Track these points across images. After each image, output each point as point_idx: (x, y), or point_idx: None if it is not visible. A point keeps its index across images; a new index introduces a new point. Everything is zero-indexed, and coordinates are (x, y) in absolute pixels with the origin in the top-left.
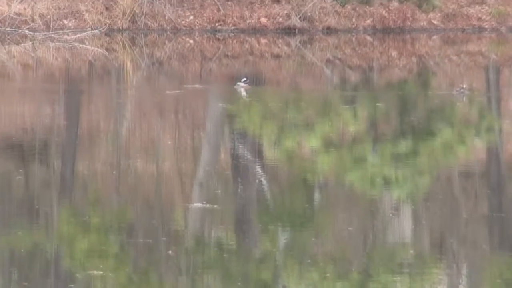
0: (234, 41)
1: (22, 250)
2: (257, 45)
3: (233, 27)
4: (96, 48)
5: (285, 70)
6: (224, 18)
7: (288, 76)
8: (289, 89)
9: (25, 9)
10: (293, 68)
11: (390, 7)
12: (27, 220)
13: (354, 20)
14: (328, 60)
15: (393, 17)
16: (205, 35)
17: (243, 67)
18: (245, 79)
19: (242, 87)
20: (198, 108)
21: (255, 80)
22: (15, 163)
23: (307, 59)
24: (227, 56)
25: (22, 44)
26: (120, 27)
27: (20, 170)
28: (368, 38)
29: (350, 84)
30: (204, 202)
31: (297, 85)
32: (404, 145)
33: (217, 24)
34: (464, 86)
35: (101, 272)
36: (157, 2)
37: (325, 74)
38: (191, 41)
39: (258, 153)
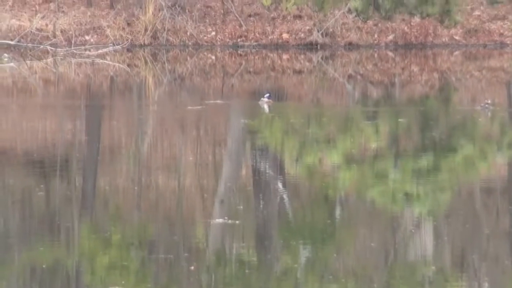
0: (256, 57)
1: (44, 265)
2: (279, 61)
3: (255, 43)
4: (117, 64)
5: (307, 86)
6: (246, 33)
7: (310, 91)
8: (311, 105)
9: (46, 25)
10: (315, 84)
11: (412, 23)
12: (49, 235)
13: (376, 35)
14: (349, 76)
15: (415, 33)
16: (227, 51)
17: (264, 83)
18: (268, 94)
19: (265, 103)
20: (219, 124)
21: (277, 96)
22: (36, 179)
23: (329, 75)
24: (249, 71)
25: (44, 60)
26: (142, 43)
27: (42, 186)
28: (390, 53)
29: (372, 99)
30: (226, 218)
31: (319, 101)
32: (426, 161)
33: (239, 40)
34: (489, 101)
35: None
36: (179, 18)
37: (346, 90)
38: (213, 57)
39: (280, 169)
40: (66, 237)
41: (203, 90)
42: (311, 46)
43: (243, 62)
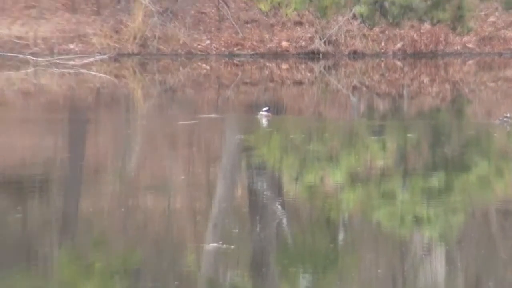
0: (253, 67)
1: None
2: (277, 71)
3: (252, 52)
4: (104, 75)
5: (308, 98)
6: (242, 42)
7: (311, 104)
8: (312, 119)
9: (27, 32)
10: (316, 96)
11: (421, 30)
12: (25, 262)
13: (383, 43)
14: (354, 87)
15: (425, 41)
16: (222, 60)
17: (262, 95)
18: (267, 108)
19: (264, 117)
20: (214, 140)
21: (276, 109)
22: (13, 200)
23: (332, 86)
24: (246, 83)
25: (23, 70)
26: (130, 52)
27: (19, 208)
28: (398, 63)
29: (379, 113)
30: (220, 242)
31: (321, 114)
32: (437, 180)
33: (235, 49)
34: (508, 115)
35: None
36: (171, 25)
37: (351, 102)
38: (207, 67)
39: (278, 189)
40: (44, 265)
41: (196, 103)
42: (313, 55)
43: (240, 73)
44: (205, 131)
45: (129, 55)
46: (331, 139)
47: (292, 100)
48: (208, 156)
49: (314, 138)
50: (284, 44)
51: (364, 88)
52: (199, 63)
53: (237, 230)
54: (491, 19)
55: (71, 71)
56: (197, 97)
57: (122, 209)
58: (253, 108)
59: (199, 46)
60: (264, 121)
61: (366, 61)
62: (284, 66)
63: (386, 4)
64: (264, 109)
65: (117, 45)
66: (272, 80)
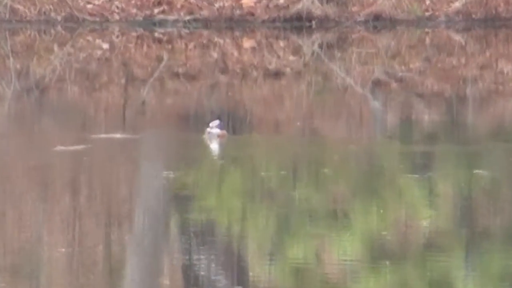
0: (191, 44)
1: None
2: (235, 52)
3: (188, 17)
4: None
5: (291, 103)
6: None
7: (298, 114)
8: (299, 141)
9: None
10: (307, 99)
11: None
12: None
13: (428, 1)
14: (376, 82)
15: None
16: (133, 33)
17: (208, 98)
18: (218, 121)
19: (213, 136)
20: (117, 181)
21: (233, 124)
22: None
23: (335, 80)
24: (177, 74)
25: None
26: None
27: None
28: (456, 36)
29: (421, 130)
30: None
31: (315, 133)
32: None
33: (156, 11)
34: None
35: None
36: None
37: (370, 110)
38: (105, 45)
39: (238, 274)
40: None
41: (86, 112)
42: (300, 23)
43: (165, 55)
44: (101, 164)
45: None
46: (335, 180)
47: (262, 107)
48: (106, 212)
49: (303, 177)
50: (247, 2)
51: (393, 84)
52: (90, 38)
53: None
54: None
55: None
56: (89, 102)
57: None
58: (192, 121)
59: (89, 7)
60: (213, 145)
61: (397, 33)
62: (248, 43)
63: None
64: (213, 123)
65: None
66: (225, 70)
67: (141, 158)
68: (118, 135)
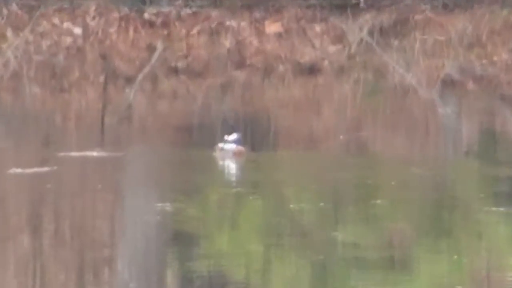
0: (194, 29)
1: None
2: (255, 40)
3: None
4: None
5: (332, 109)
6: None
7: (341, 124)
8: (343, 161)
9: None
10: (353, 104)
11: None
12: None
13: None
14: (447, 82)
15: None
16: (116, 13)
17: (218, 102)
18: (234, 135)
19: (229, 154)
20: (92, 218)
21: (255, 136)
22: None
23: (391, 78)
24: (175, 70)
25: None
26: None
27: None
28: None
29: (507, 145)
30: None
31: (364, 150)
32: None
33: None
34: None
35: None
36: None
37: (439, 119)
38: (77, 30)
39: None
40: None
41: (51, 122)
42: (343, 1)
43: (159, 44)
44: (72, 193)
45: None
46: (391, 214)
47: (292, 115)
48: (79, 260)
49: (347, 212)
50: None
51: (470, 84)
52: (57, 20)
53: None
54: None
55: None
56: (53, 108)
57: None
58: (196, 134)
59: None
60: (226, 166)
61: (475, 14)
62: (272, 27)
63: None
64: (227, 137)
65: None
66: (241, 64)
67: (126, 184)
68: (94, 153)
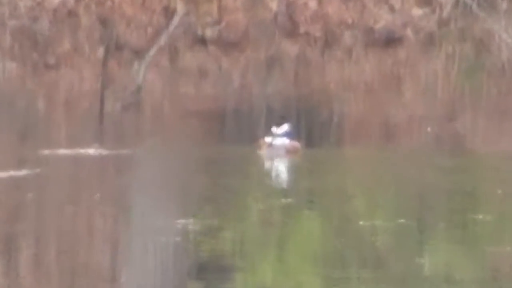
0: None
1: None
2: (311, 1)
3: None
4: None
5: (416, 91)
6: None
7: (429, 112)
8: (432, 159)
9: None
10: (446, 84)
11: None
12: None
13: None
14: None
15: None
16: None
17: (262, 83)
18: (285, 126)
19: (279, 150)
20: (88, 240)
21: (312, 129)
22: None
23: (496, 51)
24: (202, 40)
25: None
26: None
27: None
28: None
29: None
30: None
31: (461, 145)
32: None
33: None
34: None
35: None
36: None
37: None
38: None
39: None
40: None
41: (32, 110)
42: None
43: (180, 4)
44: (60, 205)
45: None
46: (498, 234)
47: (362, 100)
48: None
49: (438, 230)
50: None
51: None
52: None
53: None
54: None
55: None
56: (35, 90)
57: None
58: (231, 125)
59: None
60: (276, 167)
61: None
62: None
63: None
64: (278, 129)
65: None
66: (292, 33)
67: (134, 193)
68: (90, 151)
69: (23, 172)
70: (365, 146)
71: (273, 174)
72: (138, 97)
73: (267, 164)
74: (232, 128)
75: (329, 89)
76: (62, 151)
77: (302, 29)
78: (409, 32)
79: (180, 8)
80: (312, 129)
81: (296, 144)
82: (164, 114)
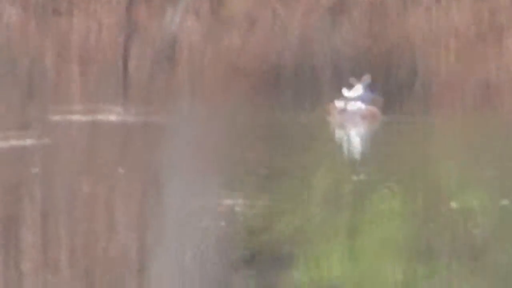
0: None
1: None
2: None
3: None
4: None
5: None
6: None
7: None
8: None
9: None
10: None
11: None
12: None
13: None
14: None
15: None
16: None
17: (328, 35)
18: (359, 88)
19: (353, 117)
20: (112, 228)
21: (393, 92)
22: None
23: None
24: None
25: None
26: None
27: None
28: None
29: None
30: None
31: None
32: None
33: None
34: None
35: None
36: None
37: None
38: None
39: None
40: None
41: (39, 66)
42: None
43: None
44: (77, 179)
45: None
46: None
47: (454, 54)
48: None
49: None
50: None
51: None
52: None
53: None
54: None
55: None
56: (43, 42)
57: None
58: (292, 86)
59: None
60: (349, 136)
61: None
62: None
63: None
64: (350, 92)
65: None
66: None
67: (167, 167)
68: (112, 117)
69: (27, 142)
70: (457, 113)
71: (345, 145)
72: (172, 51)
73: (338, 134)
74: (289, 90)
75: (411, 42)
76: (76, 117)
77: None
78: None
79: None
80: (391, 92)
81: (374, 109)
82: (204, 72)
